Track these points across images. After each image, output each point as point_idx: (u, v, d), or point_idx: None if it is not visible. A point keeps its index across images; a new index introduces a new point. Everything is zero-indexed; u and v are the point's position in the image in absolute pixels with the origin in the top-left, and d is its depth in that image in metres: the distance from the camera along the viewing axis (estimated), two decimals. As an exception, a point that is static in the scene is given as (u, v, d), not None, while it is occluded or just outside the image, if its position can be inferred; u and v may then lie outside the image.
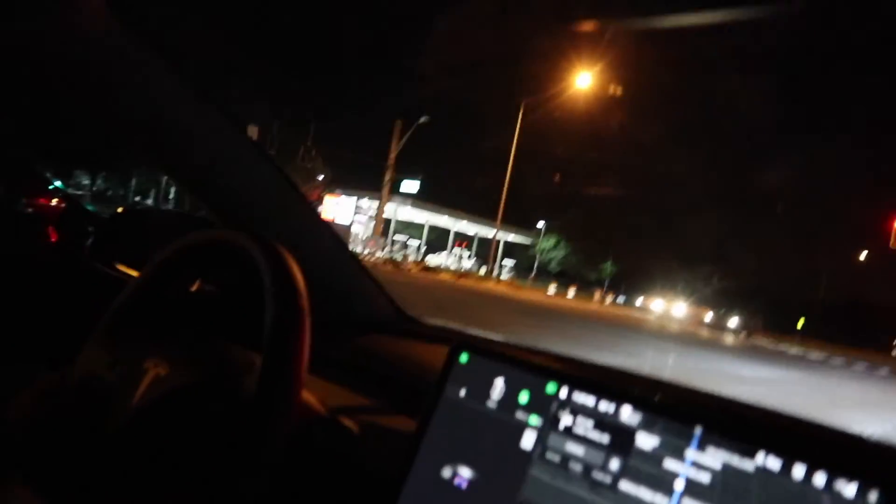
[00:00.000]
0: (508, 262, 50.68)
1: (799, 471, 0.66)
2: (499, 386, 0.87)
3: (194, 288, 1.76)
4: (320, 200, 44.03)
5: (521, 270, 54.76)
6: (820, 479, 0.65)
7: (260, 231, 1.21)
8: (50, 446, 0.96)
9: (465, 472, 0.84)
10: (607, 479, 0.75)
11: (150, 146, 1.37)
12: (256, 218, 1.40)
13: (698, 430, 0.72)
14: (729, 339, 32.98)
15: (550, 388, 0.83)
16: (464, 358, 0.91)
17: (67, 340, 1.21)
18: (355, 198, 41.65)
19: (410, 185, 41.46)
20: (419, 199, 43.98)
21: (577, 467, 0.78)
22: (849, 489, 0.64)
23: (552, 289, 42.35)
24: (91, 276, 1.94)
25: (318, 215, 1.61)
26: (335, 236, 1.59)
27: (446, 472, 0.85)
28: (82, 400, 1.00)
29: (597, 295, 50.08)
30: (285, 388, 0.85)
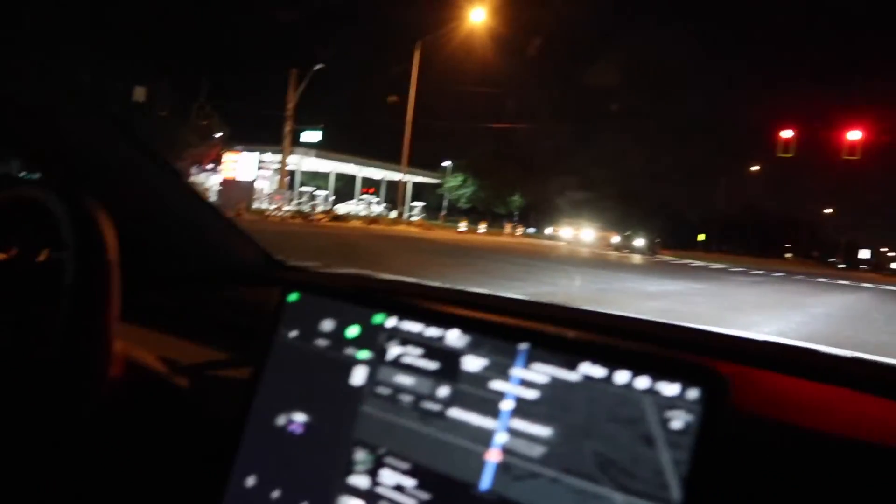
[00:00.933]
0: (418, 204, 50.66)
1: (621, 377, 0.64)
2: (328, 323, 0.82)
3: (42, 257, 1.64)
4: (219, 158, 42.80)
5: (431, 211, 54.91)
6: (642, 382, 0.63)
7: (88, 185, 1.11)
8: None
9: (300, 417, 0.79)
10: (437, 408, 0.71)
11: None
12: (89, 176, 1.29)
13: (524, 347, 0.69)
14: (636, 259, 34.11)
15: (378, 319, 0.78)
16: (293, 297, 0.85)
17: None
18: (257, 153, 40.58)
19: (312, 135, 40.63)
20: (323, 149, 43.24)
21: (406, 398, 0.73)
22: (670, 389, 0.61)
23: (463, 226, 42.60)
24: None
25: (169, 170, 1.50)
26: (187, 189, 1.50)
27: (281, 420, 0.80)
28: None
29: (507, 228, 50.71)
30: (87, 347, 0.78)
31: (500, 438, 0.67)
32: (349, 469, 0.74)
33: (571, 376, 0.66)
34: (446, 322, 0.74)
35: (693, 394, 0.60)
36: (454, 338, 0.73)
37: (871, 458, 0.78)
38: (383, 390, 0.75)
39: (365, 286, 0.87)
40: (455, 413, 0.70)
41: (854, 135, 25.63)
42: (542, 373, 0.67)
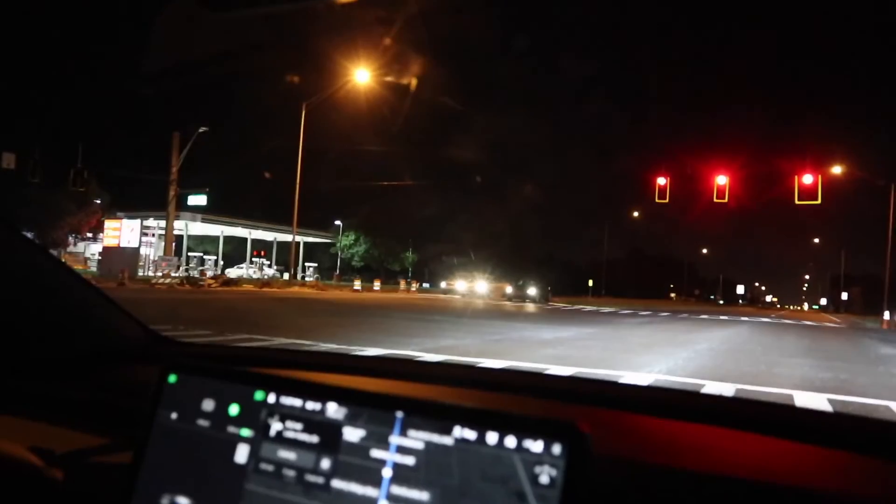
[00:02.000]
0: (311, 265, 50.11)
1: (492, 437, 0.67)
2: (209, 402, 0.82)
3: None
4: (100, 226, 41.16)
5: (324, 271, 54.41)
6: (511, 441, 0.67)
7: None
8: None
9: (183, 500, 0.79)
10: (320, 480, 0.73)
11: None
12: None
13: (399, 415, 0.72)
14: (530, 307, 34.78)
15: (258, 395, 0.79)
16: (172, 378, 0.85)
17: None
18: (139, 219, 39.29)
19: (198, 199, 39.72)
20: (210, 213, 42.33)
21: (290, 473, 0.75)
22: (536, 446, 0.66)
23: (357, 284, 42.40)
24: None
25: (36, 250, 1.46)
26: (60, 268, 1.46)
27: (164, 503, 0.79)
28: None
29: (402, 284, 50.80)
30: None
31: (382, 506, 0.69)
32: (235, 549, 0.74)
33: (446, 440, 0.69)
34: (324, 395, 0.76)
35: (557, 449, 0.65)
36: (333, 410, 0.75)
37: (729, 490, 0.85)
38: (267, 466, 0.76)
39: (247, 359, 0.88)
40: (338, 484, 0.72)
41: (721, 179, 27.33)
42: (418, 439, 0.70)
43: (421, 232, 62.15)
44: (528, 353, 11.75)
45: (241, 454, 0.78)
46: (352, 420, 0.74)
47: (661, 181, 28.79)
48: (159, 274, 32.97)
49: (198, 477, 0.79)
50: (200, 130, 33.51)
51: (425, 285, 59.04)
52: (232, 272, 43.11)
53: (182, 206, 38.02)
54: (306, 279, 44.35)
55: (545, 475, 0.64)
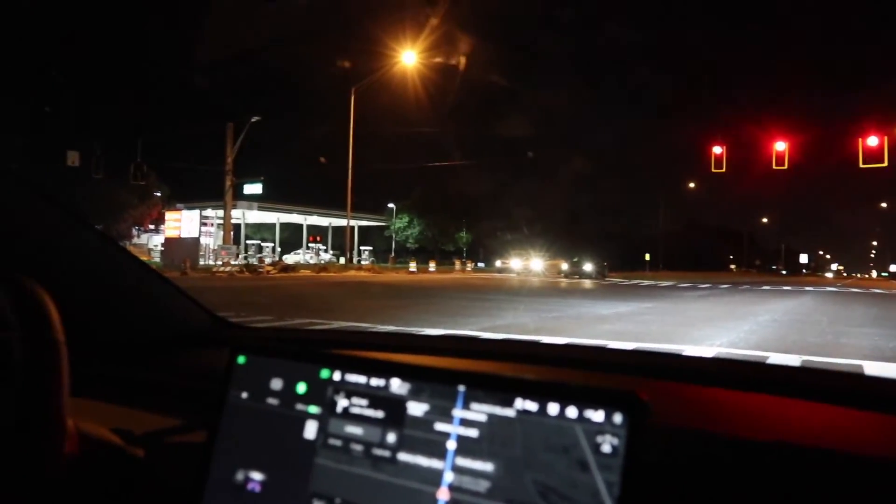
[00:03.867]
0: (366, 249, 50.60)
1: (553, 408, 0.68)
2: (277, 381, 0.85)
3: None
4: (161, 217, 42.20)
5: (380, 254, 54.85)
6: (572, 412, 0.68)
7: (25, 264, 1.12)
8: None
9: (257, 475, 0.82)
10: (386, 453, 0.75)
11: None
12: (21, 252, 1.30)
13: (462, 389, 0.73)
14: (586, 283, 34.52)
15: (324, 374, 0.82)
16: (241, 360, 0.89)
17: None
18: (198, 210, 40.15)
19: (254, 188, 40.39)
20: (266, 201, 43.02)
21: (357, 447, 0.77)
22: (597, 416, 0.66)
23: (413, 266, 42.67)
24: None
25: (108, 241, 1.52)
26: (128, 257, 1.52)
27: (239, 478, 0.83)
28: None
29: (457, 264, 50.89)
30: (39, 424, 0.80)
31: (448, 477, 0.71)
32: (308, 521, 0.77)
33: (508, 412, 0.70)
34: (388, 372, 0.78)
35: (618, 418, 0.66)
36: (396, 386, 0.77)
37: (796, 459, 0.85)
38: (335, 441, 0.79)
39: (311, 341, 0.90)
40: (404, 457, 0.74)
41: (780, 145, 26.56)
42: (480, 411, 0.72)
43: (474, 211, 62.00)
44: (585, 330, 11.68)
45: (310, 430, 0.81)
46: (415, 395, 0.76)
47: (717, 150, 28.06)
48: (219, 262, 33.69)
49: (269, 453, 0.83)
50: (253, 120, 33.99)
51: (480, 265, 59.13)
52: (289, 258, 43.82)
53: (238, 196, 38.73)
54: (362, 263, 44.79)
55: (607, 444, 0.65)
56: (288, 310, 13.24)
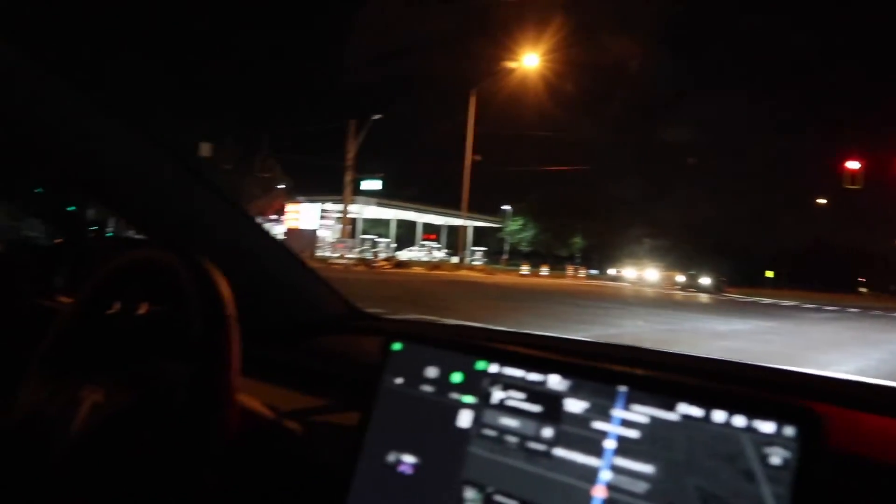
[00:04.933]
0: (479, 249, 50.81)
1: (719, 416, 0.68)
2: (432, 370, 0.87)
3: (143, 311, 1.75)
4: (283, 209, 43.83)
5: (492, 255, 54.97)
6: (739, 420, 0.66)
7: (189, 244, 1.20)
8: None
9: (409, 459, 0.85)
10: (541, 447, 0.76)
11: (76, 174, 1.35)
12: (185, 233, 1.39)
13: (622, 390, 0.73)
14: (702, 297, 33.42)
15: (480, 365, 0.84)
16: (397, 346, 0.92)
17: (13, 378, 1.19)
18: (319, 203, 41.45)
19: (372, 184, 41.34)
20: (383, 197, 43.91)
21: (512, 439, 0.78)
22: (766, 427, 0.65)
23: (525, 269, 42.49)
24: (34, 310, 1.91)
25: (257, 225, 1.60)
26: (279, 244, 1.59)
27: (391, 460, 0.86)
28: (23, 437, 0.99)
29: (569, 270, 50.29)
30: (215, 397, 0.85)
31: (605, 476, 0.71)
32: (459, 507, 0.79)
33: (670, 416, 0.70)
34: (547, 367, 0.79)
35: (789, 431, 0.64)
36: (555, 382, 0.78)
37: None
38: (489, 432, 0.80)
39: (464, 335, 0.93)
40: (560, 452, 0.75)
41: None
42: (641, 413, 0.72)
43: (590, 218, 61.16)
44: (701, 345, 11.31)
45: (465, 419, 0.83)
46: (574, 392, 0.77)
47: (854, 165, 26.50)
48: (336, 255, 34.67)
49: (422, 438, 0.85)
50: (375, 117, 34.76)
51: (593, 272, 58.21)
52: (403, 254, 44.52)
53: (357, 191, 39.69)
54: (474, 263, 44.99)
55: (776, 456, 0.64)
56: (401, 305, 13.48)
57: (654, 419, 0.71)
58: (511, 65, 32.38)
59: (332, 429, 1.09)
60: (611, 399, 0.74)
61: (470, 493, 0.79)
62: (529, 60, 32.41)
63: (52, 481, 0.92)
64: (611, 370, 0.75)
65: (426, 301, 16.06)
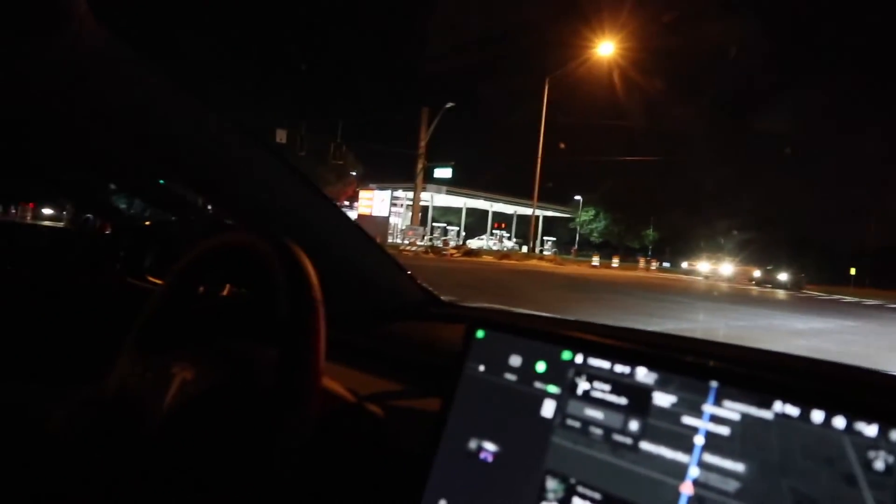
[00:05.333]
0: (549, 239, 50.47)
1: (818, 416, 0.65)
2: (516, 358, 0.87)
3: (225, 292, 1.80)
4: (355, 195, 44.39)
5: (562, 245, 54.52)
6: (840, 422, 0.64)
7: (277, 229, 1.23)
8: (90, 457, 0.98)
9: (490, 446, 0.84)
10: (628, 440, 0.75)
11: (163, 158, 1.39)
12: (272, 217, 1.42)
13: (714, 385, 0.72)
14: (779, 294, 32.42)
15: (566, 355, 0.83)
16: (480, 334, 0.92)
17: (105, 354, 1.24)
18: (389, 190, 41.83)
19: (443, 172, 41.45)
20: (454, 185, 44.00)
21: (597, 431, 0.77)
22: (870, 430, 0.62)
23: (596, 260, 42.00)
24: (126, 290, 1.98)
25: (338, 210, 1.63)
26: (358, 229, 1.61)
27: (472, 447, 0.86)
28: (115, 411, 1.03)
29: (641, 262, 49.45)
30: (303, 380, 0.86)
31: (693, 472, 0.70)
32: (541, 496, 0.78)
33: (764, 414, 0.68)
34: (634, 359, 0.78)
35: (895, 435, 0.61)
36: (642, 374, 0.77)
37: None
38: (573, 423, 0.79)
39: (547, 325, 0.92)
40: (647, 446, 0.73)
41: None
42: (733, 410, 0.70)
43: (664, 210, 60.02)
44: (778, 343, 10.98)
45: (548, 409, 0.82)
46: (662, 386, 0.75)
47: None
48: (406, 242, 34.95)
49: (504, 426, 0.85)
50: (447, 106, 34.79)
51: (665, 264, 57.18)
52: (473, 243, 44.59)
53: (428, 179, 39.87)
54: (544, 253, 44.69)
55: (880, 461, 0.61)
56: (470, 292, 13.50)
57: (746, 416, 0.69)
58: (588, 52, 31.96)
59: (412, 413, 1.10)
60: (702, 394, 0.72)
61: (552, 483, 0.78)
62: (605, 48, 31.94)
63: (145, 454, 0.95)
64: (703, 364, 0.73)
65: (495, 290, 16.05)
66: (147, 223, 2.40)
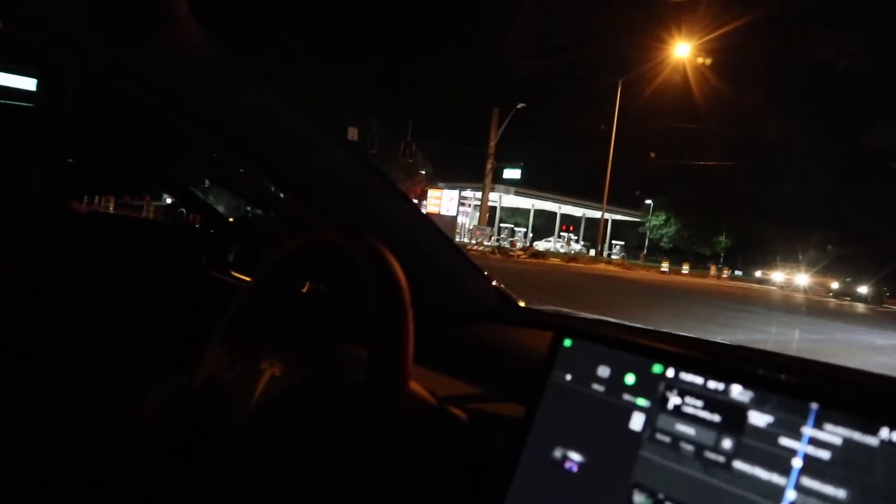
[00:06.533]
0: (618, 243, 49.83)
1: (928, 444, 0.63)
2: (604, 369, 0.86)
3: (305, 289, 1.83)
4: (424, 194, 44.68)
5: (631, 249, 53.76)
6: (952, 451, 0.62)
7: (361, 228, 1.25)
8: (177, 446, 1.02)
9: (576, 456, 0.84)
10: (720, 459, 0.73)
11: (252, 157, 1.43)
12: (357, 216, 1.44)
13: (814, 407, 0.70)
14: (859, 308, 31.26)
15: (656, 368, 0.82)
16: (567, 343, 0.91)
17: (192, 347, 1.28)
18: (458, 190, 41.95)
19: (512, 173, 41.38)
20: (522, 186, 43.88)
21: (688, 447, 0.76)
22: (984, 461, 0.60)
23: (665, 266, 41.27)
24: (210, 283, 2.04)
25: (416, 209, 1.64)
26: (436, 229, 1.62)
27: (557, 456, 0.86)
28: (206, 401, 1.06)
29: (712, 269, 48.32)
30: (392, 381, 0.87)
31: (790, 495, 0.68)
32: (628, 510, 0.78)
33: (869, 440, 0.66)
34: (729, 376, 0.76)
35: None
36: (737, 392, 0.75)
37: None
38: (663, 437, 0.78)
39: (634, 336, 0.91)
40: (740, 465, 0.72)
41: None
42: (835, 434, 0.68)
43: (738, 216, 58.45)
44: (855, 359, 10.62)
45: (637, 422, 0.81)
46: (758, 405, 0.73)
47: None
48: (473, 241, 35.00)
49: (590, 437, 0.84)
50: (519, 107, 34.69)
51: (737, 273, 55.73)
52: (540, 245, 44.36)
53: (497, 179, 39.84)
54: (612, 257, 44.19)
55: None
56: (536, 294, 13.43)
57: (848, 441, 0.67)
58: (667, 55, 31.43)
59: (494, 419, 1.10)
60: (801, 415, 0.70)
61: (639, 497, 0.77)
62: (680, 50, 31.35)
63: (234, 446, 0.98)
64: (805, 385, 0.71)
65: (561, 292, 15.93)
66: (231, 219, 2.47)
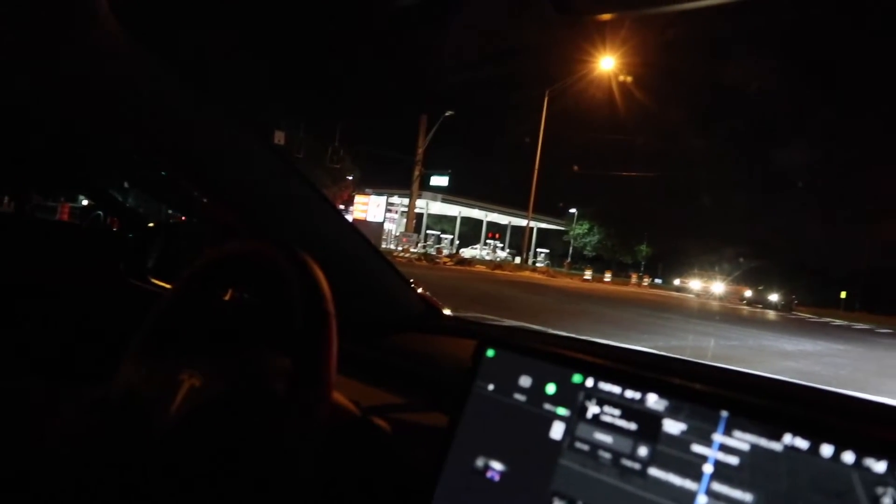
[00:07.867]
0: (543, 251, 50.53)
1: (827, 450, 0.66)
2: (526, 379, 0.88)
3: (227, 297, 1.80)
4: (351, 200, 44.36)
5: (555, 258, 54.57)
6: (849, 457, 0.65)
7: (284, 236, 1.23)
8: (93, 459, 0.99)
9: (497, 465, 0.85)
10: (636, 466, 0.76)
11: (174, 159, 1.40)
12: (280, 224, 1.42)
13: (724, 414, 0.73)
14: (770, 315, 32.52)
15: (576, 378, 0.84)
16: (490, 353, 0.92)
17: (108, 357, 1.24)
18: (385, 196, 41.81)
19: (440, 180, 41.52)
20: (449, 193, 44.05)
21: (605, 455, 0.78)
22: (879, 466, 0.64)
23: (588, 274, 42.07)
24: (128, 290, 1.98)
25: (342, 217, 1.63)
26: (361, 238, 1.61)
27: (479, 465, 0.87)
28: (121, 414, 1.03)
29: (633, 277, 49.54)
30: (315, 391, 0.87)
31: (702, 500, 0.71)
32: (547, 518, 0.79)
33: (774, 446, 0.69)
34: (645, 386, 0.79)
35: (903, 471, 0.62)
36: (653, 401, 0.78)
37: None
38: (582, 446, 0.80)
39: (559, 346, 0.92)
40: (655, 472, 0.74)
41: None
42: (743, 440, 0.71)
43: (658, 226, 60.11)
44: (766, 364, 11.01)
45: (557, 431, 0.83)
46: (672, 413, 0.76)
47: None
48: (399, 248, 34.95)
49: (511, 446, 0.86)
50: (447, 114, 34.85)
51: (657, 281, 57.25)
52: (466, 252, 44.58)
53: (424, 186, 39.92)
54: (537, 265, 44.76)
55: (888, 498, 0.62)
56: (462, 302, 13.49)
57: (755, 447, 0.70)
58: (589, 67, 32.13)
59: (417, 428, 1.10)
60: (712, 423, 0.73)
61: (559, 505, 0.79)
62: (605, 63, 32.11)
63: (151, 460, 0.95)
64: (715, 394, 0.74)
65: (487, 300, 16.04)
66: (151, 224, 2.41)
